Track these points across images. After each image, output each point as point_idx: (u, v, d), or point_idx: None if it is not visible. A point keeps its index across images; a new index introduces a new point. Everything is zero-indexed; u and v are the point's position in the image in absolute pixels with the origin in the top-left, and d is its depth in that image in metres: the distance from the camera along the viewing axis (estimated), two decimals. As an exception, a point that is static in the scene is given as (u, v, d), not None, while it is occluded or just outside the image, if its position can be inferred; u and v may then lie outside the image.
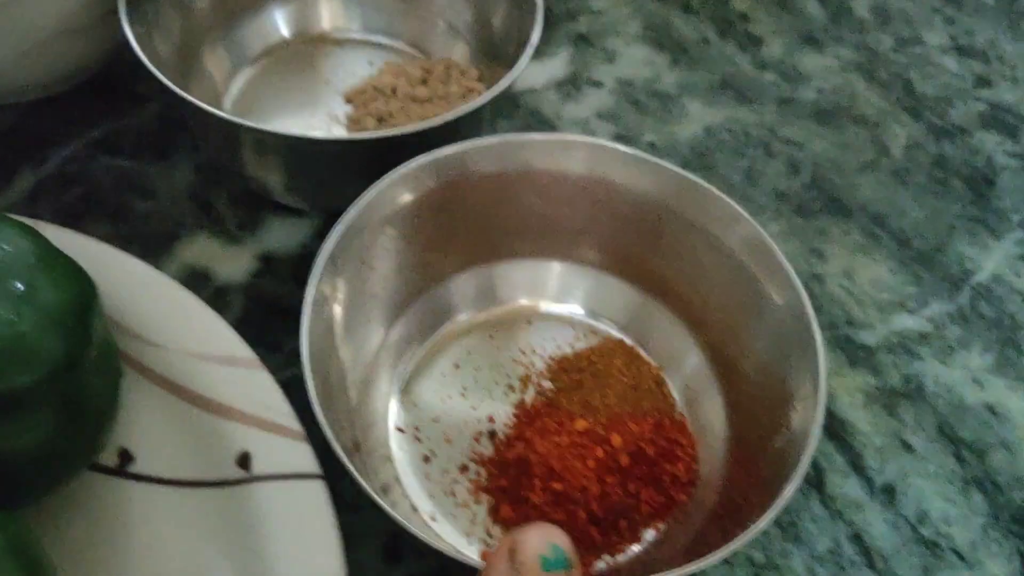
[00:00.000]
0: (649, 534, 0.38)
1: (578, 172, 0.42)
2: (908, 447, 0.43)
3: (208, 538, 0.35)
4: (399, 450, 0.40)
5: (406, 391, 0.42)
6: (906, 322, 0.48)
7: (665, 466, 0.38)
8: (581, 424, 0.39)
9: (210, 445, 0.37)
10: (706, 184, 0.39)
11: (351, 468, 0.31)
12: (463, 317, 0.44)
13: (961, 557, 0.40)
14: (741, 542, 0.30)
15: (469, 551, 0.37)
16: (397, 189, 0.39)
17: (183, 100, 0.41)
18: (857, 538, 0.40)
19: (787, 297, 0.38)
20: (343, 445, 0.33)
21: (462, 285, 0.44)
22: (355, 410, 0.39)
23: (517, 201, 0.43)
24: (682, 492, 0.38)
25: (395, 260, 0.41)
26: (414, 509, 0.38)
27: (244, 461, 0.36)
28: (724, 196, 0.39)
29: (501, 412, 0.41)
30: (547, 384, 0.42)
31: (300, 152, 0.43)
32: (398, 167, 0.39)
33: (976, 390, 0.46)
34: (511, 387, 0.42)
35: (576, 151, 0.41)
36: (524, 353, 0.43)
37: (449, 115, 0.42)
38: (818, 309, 0.48)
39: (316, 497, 0.35)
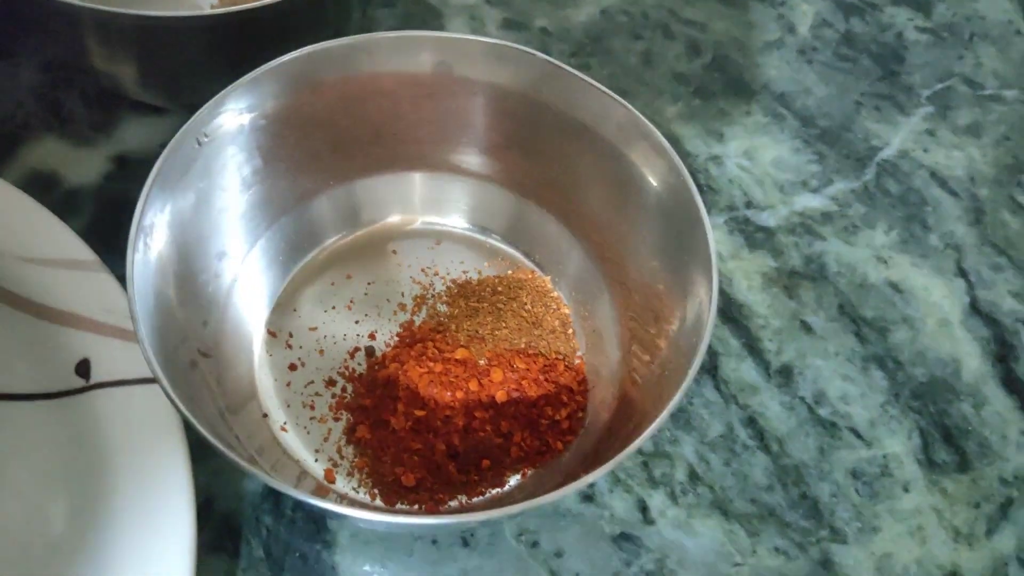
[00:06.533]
0: (515, 479, 0.35)
1: (431, 71, 0.37)
2: (807, 328, 0.42)
3: (46, 455, 0.33)
4: (265, 354, 0.37)
5: (288, 294, 0.39)
6: (809, 202, 0.46)
7: (546, 410, 0.35)
8: (461, 353, 0.36)
9: (48, 355, 0.34)
10: (572, 70, 0.35)
11: (166, 386, 0.27)
12: (350, 231, 0.41)
13: (859, 436, 0.39)
14: (599, 473, 0.27)
15: (314, 468, 0.35)
16: (233, 105, 0.34)
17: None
18: (751, 421, 0.39)
19: (670, 180, 0.34)
20: (181, 359, 0.31)
21: (326, 204, 0.40)
22: (215, 312, 0.36)
23: (375, 110, 0.38)
24: (560, 440, 0.35)
25: (252, 177, 0.37)
26: (265, 415, 0.36)
27: (83, 368, 0.34)
28: (591, 80, 0.35)
29: (385, 330, 0.38)
30: (442, 308, 0.39)
31: (145, 36, 0.39)
32: (231, 84, 0.34)
33: (880, 268, 0.44)
34: (402, 306, 0.39)
35: (426, 48, 0.36)
36: (426, 273, 0.40)
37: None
38: (716, 191, 0.46)
39: (161, 401, 0.32)
